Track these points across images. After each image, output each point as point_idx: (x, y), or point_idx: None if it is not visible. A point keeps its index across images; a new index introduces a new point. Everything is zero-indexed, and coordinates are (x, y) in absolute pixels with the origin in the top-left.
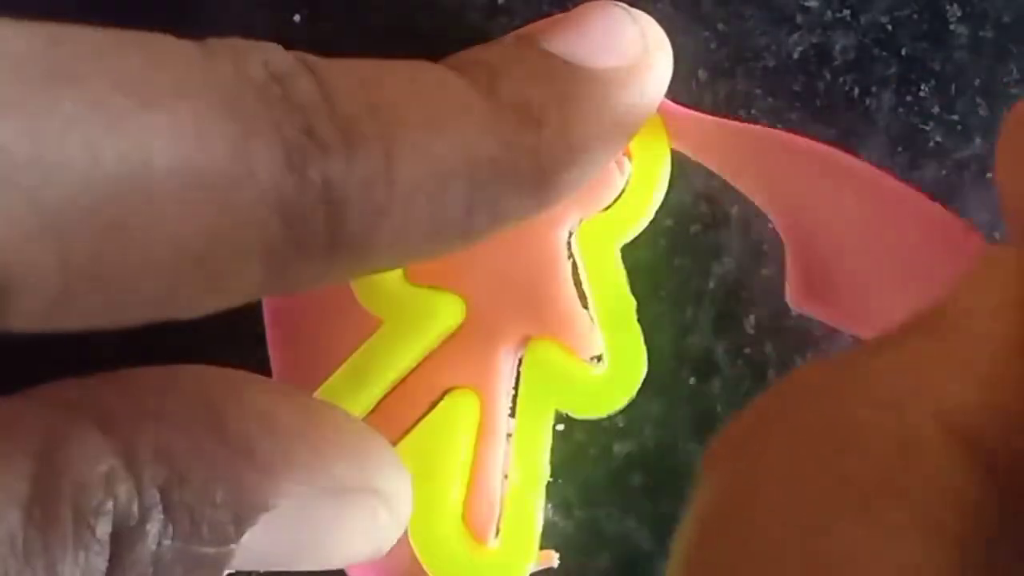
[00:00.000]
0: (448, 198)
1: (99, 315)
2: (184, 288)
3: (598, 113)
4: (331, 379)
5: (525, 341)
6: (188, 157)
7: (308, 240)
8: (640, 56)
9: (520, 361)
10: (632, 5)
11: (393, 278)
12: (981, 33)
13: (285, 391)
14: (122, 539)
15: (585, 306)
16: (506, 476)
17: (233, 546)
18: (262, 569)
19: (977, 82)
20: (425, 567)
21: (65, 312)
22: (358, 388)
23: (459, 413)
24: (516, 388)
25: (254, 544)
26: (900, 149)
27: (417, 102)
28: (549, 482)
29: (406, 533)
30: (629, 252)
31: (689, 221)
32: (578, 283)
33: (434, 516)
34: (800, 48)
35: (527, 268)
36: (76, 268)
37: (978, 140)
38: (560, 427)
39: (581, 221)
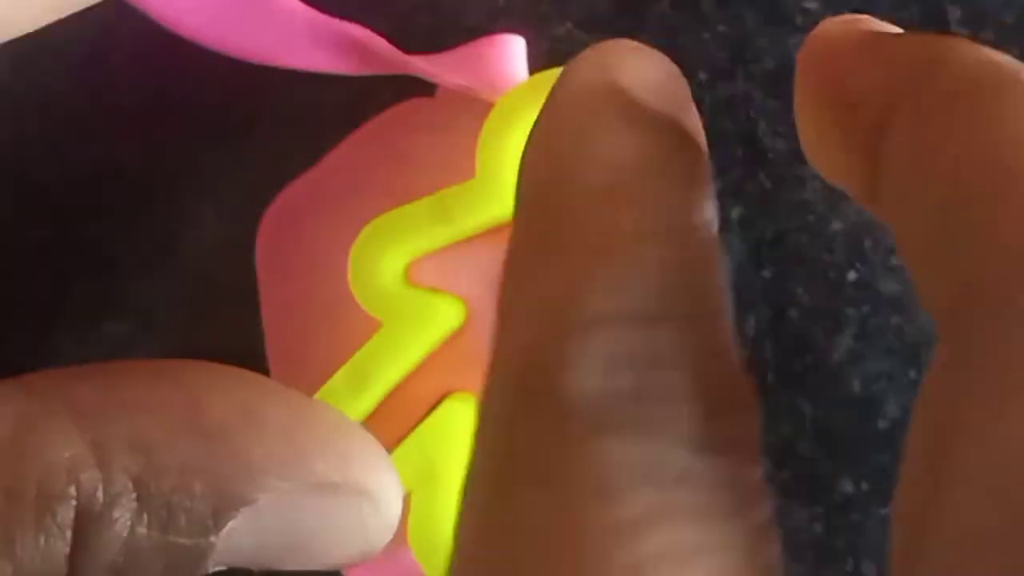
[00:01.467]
0: None
1: None
2: None
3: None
4: (330, 381)
5: None
6: None
7: None
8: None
9: None
10: (632, 10)
11: (393, 279)
12: (981, 34)
13: (271, 387)
14: (87, 526)
15: None
16: None
17: (213, 539)
18: (251, 567)
19: None
20: (425, 572)
21: None
22: (358, 391)
23: (458, 417)
24: None
25: (237, 540)
26: None
27: None
28: None
29: (407, 537)
30: None
31: None
32: None
33: (434, 520)
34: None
35: None
36: None
37: None
38: None
39: None
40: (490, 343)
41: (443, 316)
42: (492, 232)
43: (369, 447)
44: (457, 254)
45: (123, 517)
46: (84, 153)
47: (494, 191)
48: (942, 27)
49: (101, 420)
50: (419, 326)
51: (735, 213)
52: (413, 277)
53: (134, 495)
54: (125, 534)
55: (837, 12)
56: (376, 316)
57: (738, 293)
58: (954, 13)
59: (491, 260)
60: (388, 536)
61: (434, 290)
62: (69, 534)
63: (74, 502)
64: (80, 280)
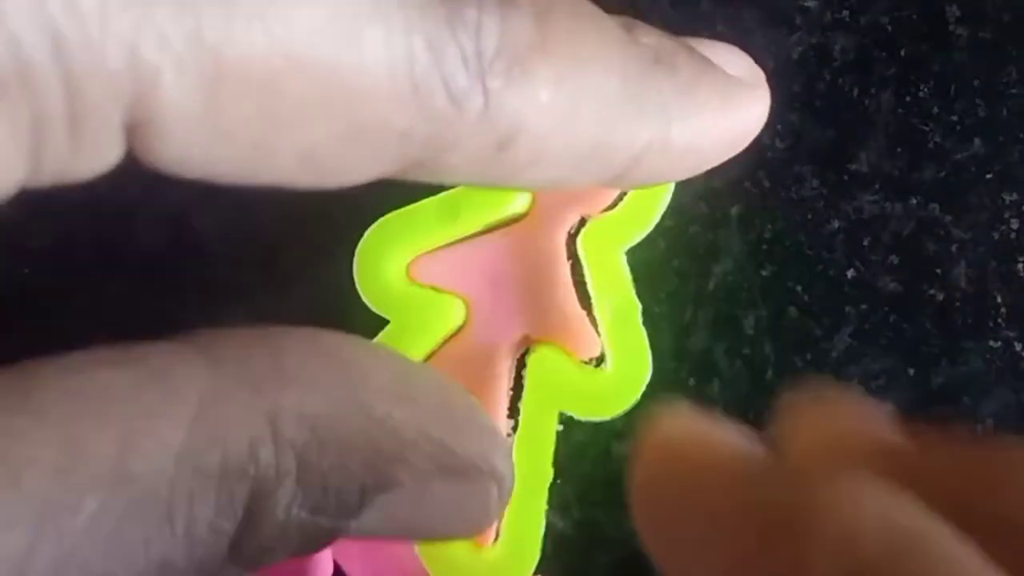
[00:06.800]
0: (590, 97)
1: (235, 169)
2: (318, 159)
3: (722, 93)
4: None
5: (524, 342)
6: (337, 46)
7: (450, 116)
8: (755, 78)
9: (519, 363)
10: (632, 4)
11: (397, 278)
12: (980, 34)
13: (418, 365)
14: (257, 505)
15: (585, 307)
16: None
17: (353, 522)
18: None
19: (976, 83)
20: (428, 570)
21: (203, 158)
22: None
23: None
24: (513, 388)
25: (367, 520)
26: (900, 150)
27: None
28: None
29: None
30: (629, 253)
31: (689, 221)
32: (578, 284)
33: None
34: (800, 49)
35: (527, 268)
36: (217, 119)
37: (977, 141)
38: (560, 427)
39: (582, 220)
40: (491, 341)
41: (446, 315)
42: (494, 230)
43: (492, 425)
44: (459, 252)
45: (286, 498)
46: None
47: (503, 190)
48: (942, 27)
49: (273, 391)
50: (424, 324)
51: (734, 211)
52: (414, 275)
53: (296, 474)
54: (284, 516)
55: (835, 12)
56: (381, 314)
57: (737, 291)
58: (953, 13)
59: (493, 259)
60: (500, 515)
61: (437, 288)
62: (240, 513)
63: (251, 483)
64: (85, 281)
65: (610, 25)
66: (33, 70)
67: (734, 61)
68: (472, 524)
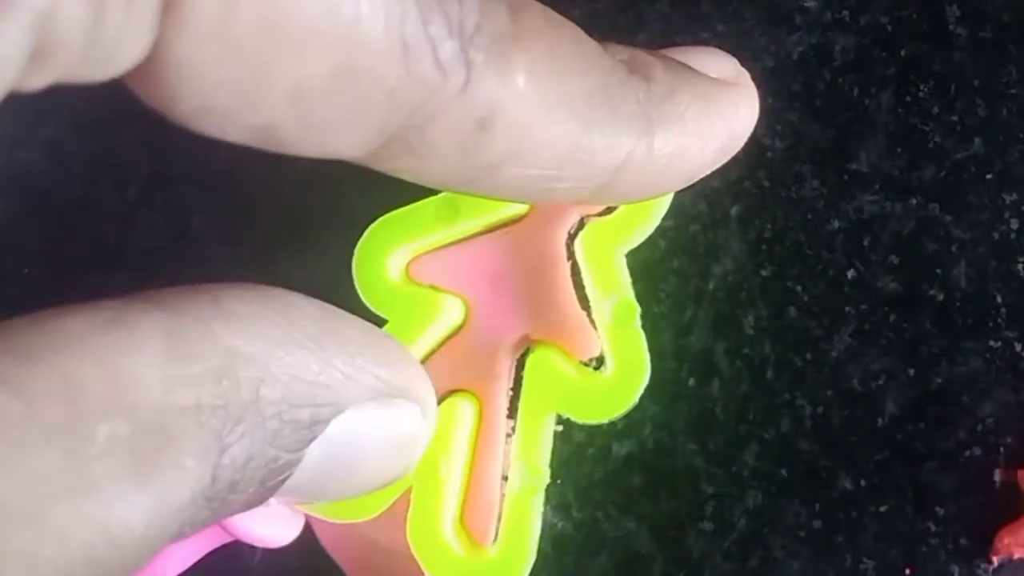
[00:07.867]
0: (566, 94)
1: (231, 99)
2: (307, 100)
3: (703, 97)
4: None
5: (524, 342)
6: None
7: (432, 79)
8: (740, 78)
9: (519, 363)
10: (631, 4)
11: (397, 277)
12: (980, 34)
13: (336, 309)
14: (225, 438)
15: (585, 307)
16: (504, 477)
17: (302, 453)
18: (298, 499)
19: (976, 82)
20: (424, 569)
21: (208, 72)
22: None
23: (459, 416)
24: (513, 388)
25: (314, 452)
26: (899, 149)
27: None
28: (548, 483)
29: (405, 536)
30: (629, 253)
31: (689, 221)
32: (578, 284)
33: (433, 519)
34: (800, 48)
35: (527, 268)
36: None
37: (977, 140)
38: (559, 428)
39: (581, 221)
40: (491, 341)
41: (445, 314)
42: (493, 231)
43: (406, 353)
44: (458, 252)
45: (250, 430)
46: (84, 152)
47: None
48: (942, 26)
49: (222, 328)
50: (423, 323)
51: (734, 211)
52: (413, 275)
53: (256, 406)
54: (249, 448)
55: (835, 12)
56: (380, 313)
57: (737, 291)
58: (953, 13)
59: (492, 259)
60: (425, 446)
61: (436, 288)
62: (217, 445)
63: (223, 414)
64: (79, 277)
65: (584, 35)
66: None
67: (716, 63)
68: (403, 453)
